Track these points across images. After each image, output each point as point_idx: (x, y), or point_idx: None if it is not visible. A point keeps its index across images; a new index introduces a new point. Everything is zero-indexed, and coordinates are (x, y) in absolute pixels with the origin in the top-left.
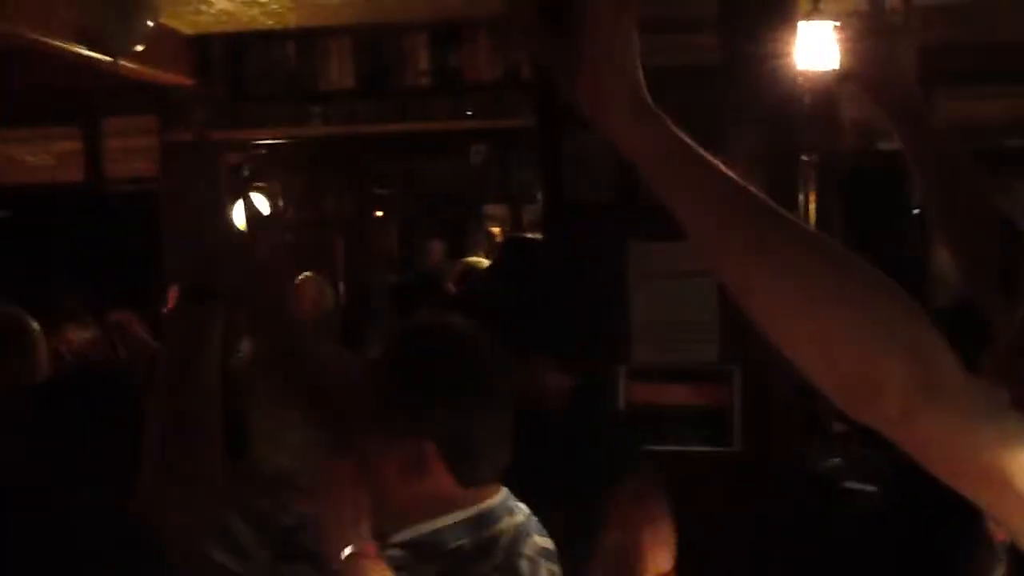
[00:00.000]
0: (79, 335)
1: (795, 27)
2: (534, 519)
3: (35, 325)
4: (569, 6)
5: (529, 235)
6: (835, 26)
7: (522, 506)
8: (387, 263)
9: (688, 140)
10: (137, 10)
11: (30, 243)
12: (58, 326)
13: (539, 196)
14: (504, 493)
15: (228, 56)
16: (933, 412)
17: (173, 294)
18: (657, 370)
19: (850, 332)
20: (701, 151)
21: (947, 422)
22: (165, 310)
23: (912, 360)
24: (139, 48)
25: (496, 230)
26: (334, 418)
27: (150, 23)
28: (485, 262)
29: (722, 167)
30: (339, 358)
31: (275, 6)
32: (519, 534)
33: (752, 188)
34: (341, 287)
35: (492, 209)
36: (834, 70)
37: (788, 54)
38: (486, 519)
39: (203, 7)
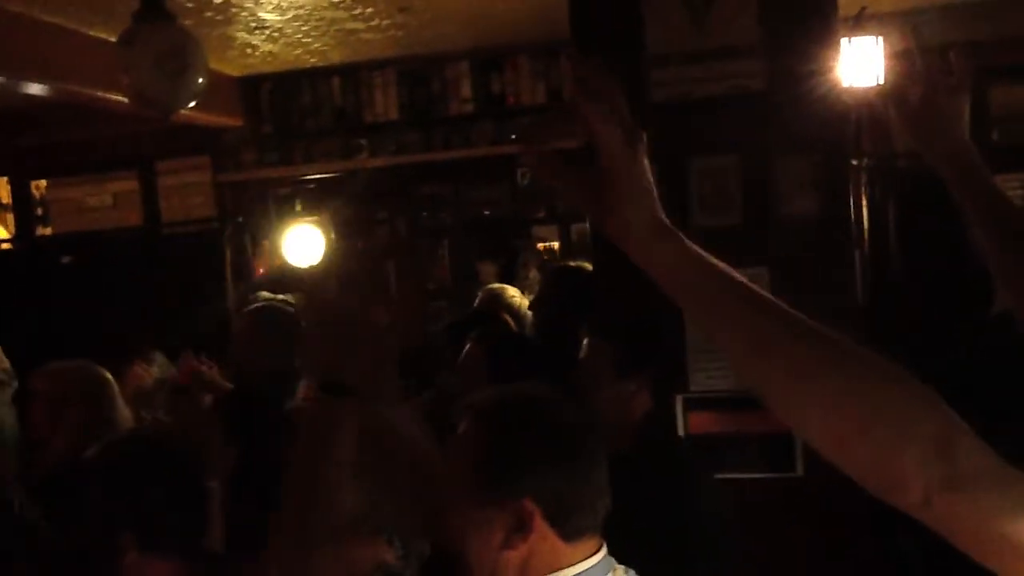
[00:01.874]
0: (146, 373)
1: (838, 45)
2: (633, 573)
3: (107, 375)
4: (587, 155)
5: (573, 263)
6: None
7: (619, 565)
8: (440, 289)
9: (702, 253)
10: (187, 72)
11: (93, 286)
12: (124, 365)
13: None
14: (604, 550)
15: (275, 95)
16: (956, 503)
17: (309, 387)
18: (715, 398)
19: (863, 431)
20: (715, 261)
21: (973, 511)
22: (302, 401)
23: (930, 453)
24: (191, 104)
25: (544, 247)
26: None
27: (201, 81)
28: (511, 289)
29: (736, 275)
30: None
31: (318, 45)
32: None
33: (763, 293)
34: (396, 318)
35: (541, 230)
36: (879, 85)
37: (833, 71)
38: (591, 574)
39: (249, 50)
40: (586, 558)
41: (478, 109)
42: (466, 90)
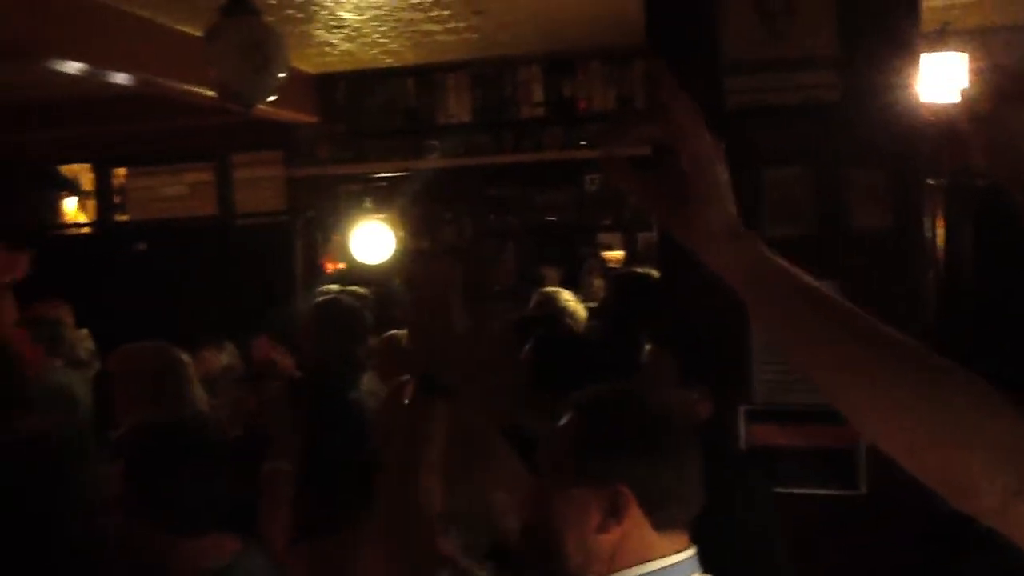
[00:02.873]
0: (214, 359)
1: (917, 60)
2: None
3: (182, 356)
4: (659, 160)
5: (639, 270)
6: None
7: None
8: (503, 291)
9: (777, 258)
10: (270, 67)
11: (167, 272)
12: (194, 350)
13: (654, 224)
14: (694, 549)
15: (350, 94)
16: None
17: (410, 385)
18: (779, 411)
19: (935, 438)
20: (789, 266)
21: None
22: (407, 400)
23: (1004, 462)
24: (271, 98)
25: (610, 256)
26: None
27: (281, 75)
28: (566, 292)
29: (808, 279)
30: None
31: (394, 46)
32: None
33: (836, 298)
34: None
35: (606, 237)
36: (960, 101)
37: (911, 85)
38: (679, 570)
39: (327, 48)
40: (676, 552)
41: (549, 113)
42: (538, 94)
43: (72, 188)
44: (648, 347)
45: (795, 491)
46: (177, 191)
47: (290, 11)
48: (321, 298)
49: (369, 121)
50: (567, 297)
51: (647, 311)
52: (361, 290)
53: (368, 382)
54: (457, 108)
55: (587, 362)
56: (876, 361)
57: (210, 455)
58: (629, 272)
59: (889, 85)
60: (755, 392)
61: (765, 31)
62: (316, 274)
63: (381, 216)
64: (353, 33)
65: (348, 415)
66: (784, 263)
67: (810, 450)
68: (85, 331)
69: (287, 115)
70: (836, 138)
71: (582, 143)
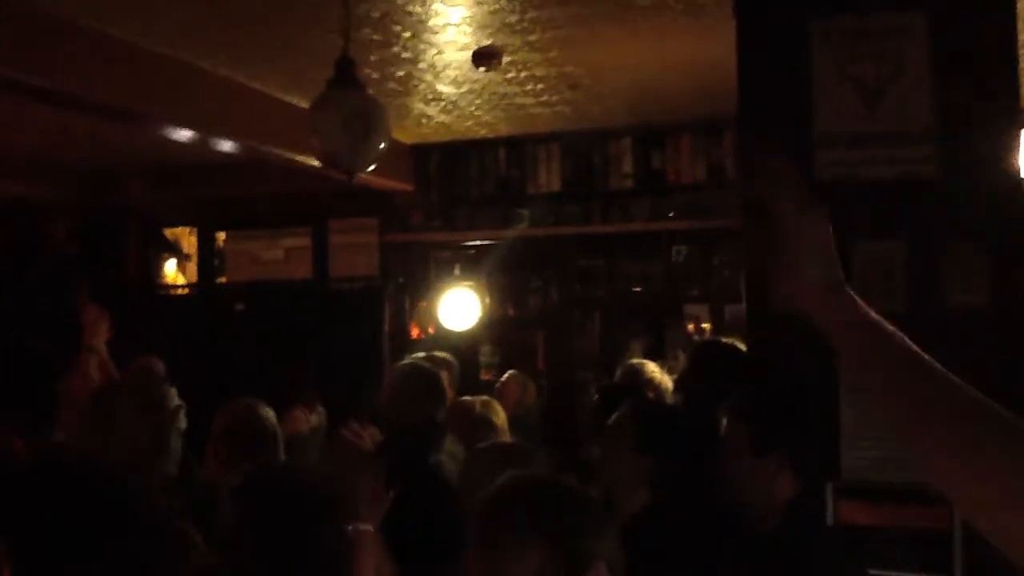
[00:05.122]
0: (305, 418)
1: (1018, 132)
2: None
3: (272, 416)
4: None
5: (724, 340)
6: None
7: None
8: (588, 361)
9: (873, 313)
10: (373, 137)
11: (262, 333)
12: (286, 409)
13: (742, 295)
14: None
15: (444, 163)
16: None
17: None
18: (868, 487)
19: (1018, 499)
20: (883, 322)
21: None
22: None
23: None
24: (372, 167)
25: (695, 327)
26: None
27: (383, 145)
28: (651, 365)
29: (901, 337)
30: None
31: (488, 117)
32: None
33: (934, 363)
34: (543, 384)
35: (693, 308)
36: None
37: (1011, 159)
38: None
39: (424, 120)
40: None
41: (638, 184)
42: (627, 165)
43: (174, 250)
44: (724, 419)
45: (884, 574)
46: (274, 255)
47: (391, 85)
48: (401, 363)
49: (461, 190)
50: (653, 369)
51: (729, 382)
52: (445, 355)
53: (450, 445)
54: (547, 178)
55: (686, 430)
56: (971, 424)
57: (325, 506)
58: (713, 341)
59: (988, 159)
60: (845, 468)
61: (859, 103)
62: (404, 338)
63: (469, 283)
64: (449, 106)
65: (430, 477)
66: (883, 321)
67: (902, 531)
68: (173, 389)
69: (384, 183)
70: (932, 213)
71: (670, 214)
